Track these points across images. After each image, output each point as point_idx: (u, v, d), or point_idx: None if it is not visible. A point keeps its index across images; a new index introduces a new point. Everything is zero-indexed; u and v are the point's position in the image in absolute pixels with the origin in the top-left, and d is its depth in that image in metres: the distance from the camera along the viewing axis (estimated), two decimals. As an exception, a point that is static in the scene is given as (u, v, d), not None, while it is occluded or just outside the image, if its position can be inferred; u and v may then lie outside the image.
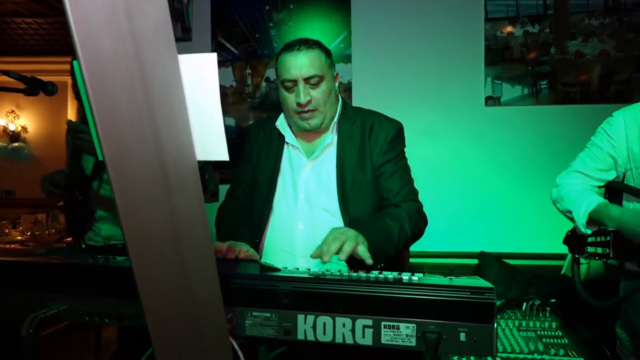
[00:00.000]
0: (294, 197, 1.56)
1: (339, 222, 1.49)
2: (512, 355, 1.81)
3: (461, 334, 0.88)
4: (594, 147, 1.69)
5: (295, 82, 1.50)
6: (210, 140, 0.76)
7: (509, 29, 3.05)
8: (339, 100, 1.65)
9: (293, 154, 1.63)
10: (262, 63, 3.08)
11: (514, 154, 3.02)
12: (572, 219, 1.64)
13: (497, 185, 3.01)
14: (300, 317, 0.94)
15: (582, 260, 1.73)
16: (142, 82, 0.67)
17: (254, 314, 0.96)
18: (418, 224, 1.54)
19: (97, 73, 0.62)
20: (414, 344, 0.90)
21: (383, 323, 0.91)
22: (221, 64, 3.08)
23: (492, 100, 3.05)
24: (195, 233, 0.77)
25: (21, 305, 1.07)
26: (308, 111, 1.52)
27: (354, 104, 3.03)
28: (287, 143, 1.63)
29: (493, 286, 0.89)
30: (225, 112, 3.03)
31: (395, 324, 0.91)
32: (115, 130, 0.64)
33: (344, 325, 0.92)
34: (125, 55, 0.65)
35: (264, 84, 3.08)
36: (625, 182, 1.65)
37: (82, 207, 2.02)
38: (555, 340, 1.94)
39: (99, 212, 2.04)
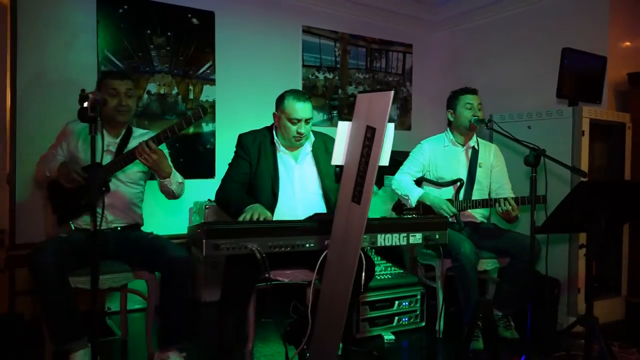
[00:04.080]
0: (292, 185, 2.54)
1: (320, 198, 2.57)
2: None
3: (436, 235, 2.18)
4: (413, 159, 3.24)
5: (300, 120, 2.49)
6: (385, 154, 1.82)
7: (316, 74, 4.48)
8: None
9: (284, 158, 2.59)
10: (144, 77, 3.62)
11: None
12: (406, 199, 3.12)
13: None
14: (380, 236, 2.06)
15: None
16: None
17: (359, 236, 2.03)
18: None
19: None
20: (421, 242, 2.15)
21: (410, 234, 2.13)
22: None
23: (306, 122, 4.41)
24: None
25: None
26: (301, 137, 2.53)
27: (217, 120, 3.94)
28: (280, 151, 2.58)
29: (445, 215, 2.23)
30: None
31: (414, 234, 2.14)
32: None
33: (395, 237, 2.10)
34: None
35: (145, 95, 3.63)
36: (425, 176, 3.25)
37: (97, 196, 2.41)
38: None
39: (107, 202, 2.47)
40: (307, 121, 2.53)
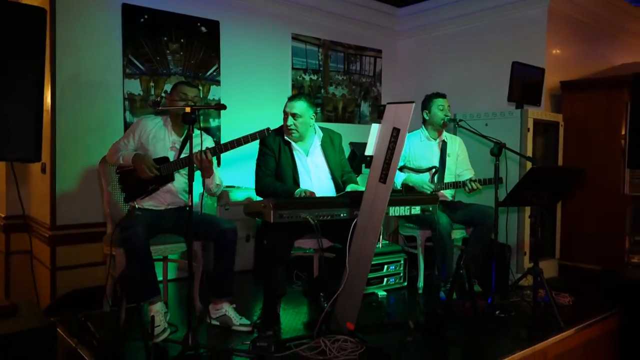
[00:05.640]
0: (308, 173, 3.16)
1: (330, 182, 3.21)
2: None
3: (430, 207, 2.91)
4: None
5: (287, 114, 3.09)
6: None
7: (303, 76, 5.11)
8: (312, 125, 3.29)
9: (298, 151, 3.19)
10: (162, 79, 4.12)
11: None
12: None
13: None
14: (391, 208, 2.75)
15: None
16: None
17: (377, 208, 2.71)
18: None
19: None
20: (419, 213, 2.87)
21: (412, 207, 2.84)
22: (131, 76, 3.95)
23: (295, 118, 5.03)
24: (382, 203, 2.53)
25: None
26: (289, 128, 3.11)
27: (222, 116, 4.48)
28: (294, 147, 3.19)
29: (435, 195, 2.97)
30: (135, 114, 3.95)
31: (414, 207, 2.85)
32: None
33: (401, 209, 2.80)
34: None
35: (163, 94, 4.13)
36: (406, 164, 3.97)
37: (160, 183, 2.94)
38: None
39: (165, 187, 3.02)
40: (294, 116, 3.10)
